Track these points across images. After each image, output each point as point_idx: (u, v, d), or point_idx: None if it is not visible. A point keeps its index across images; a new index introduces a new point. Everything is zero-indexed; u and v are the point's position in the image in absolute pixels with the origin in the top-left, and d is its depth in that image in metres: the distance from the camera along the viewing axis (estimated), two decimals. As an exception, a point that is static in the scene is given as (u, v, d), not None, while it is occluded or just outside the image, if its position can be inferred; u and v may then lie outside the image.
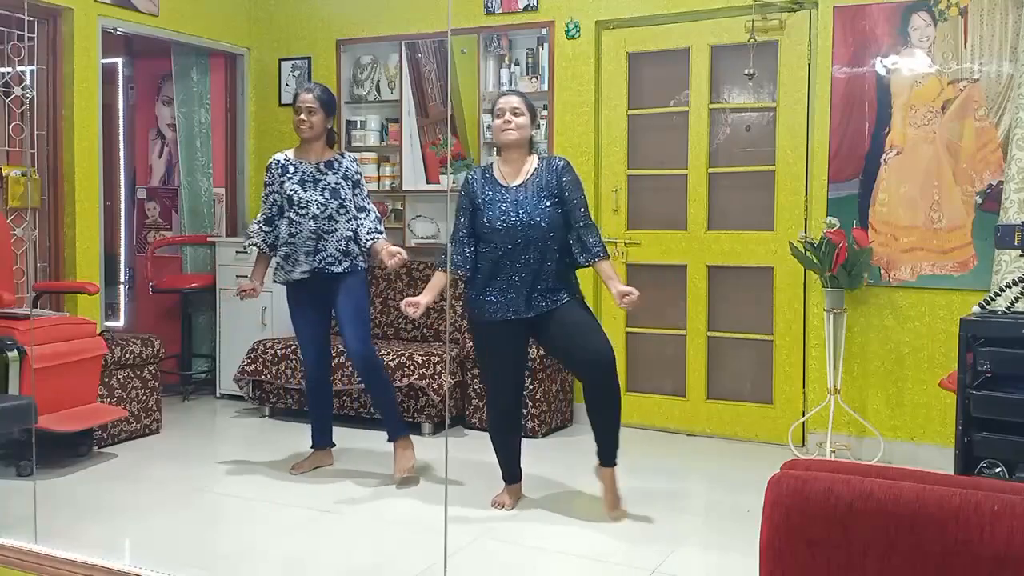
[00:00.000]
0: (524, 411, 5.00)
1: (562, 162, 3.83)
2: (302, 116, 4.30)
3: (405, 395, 5.05)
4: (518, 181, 3.79)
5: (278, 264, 4.36)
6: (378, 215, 4.39)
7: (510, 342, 3.82)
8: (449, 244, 3.90)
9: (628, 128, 5.34)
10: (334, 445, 4.55)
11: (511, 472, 3.99)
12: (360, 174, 4.40)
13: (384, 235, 4.34)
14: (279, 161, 4.37)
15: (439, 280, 3.88)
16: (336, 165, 4.34)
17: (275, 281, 4.42)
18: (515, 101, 3.81)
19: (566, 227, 3.75)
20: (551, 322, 3.75)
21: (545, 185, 3.76)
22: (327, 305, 4.38)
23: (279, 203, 4.33)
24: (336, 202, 4.26)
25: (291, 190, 4.28)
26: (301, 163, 4.33)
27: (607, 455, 3.80)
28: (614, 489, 3.80)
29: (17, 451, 4.28)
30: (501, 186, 3.80)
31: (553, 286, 3.74)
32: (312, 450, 4.50)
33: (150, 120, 6.63)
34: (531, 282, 3.71)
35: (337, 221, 4.26)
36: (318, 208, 4.24)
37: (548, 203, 3.73)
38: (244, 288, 4.37)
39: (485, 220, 3.76)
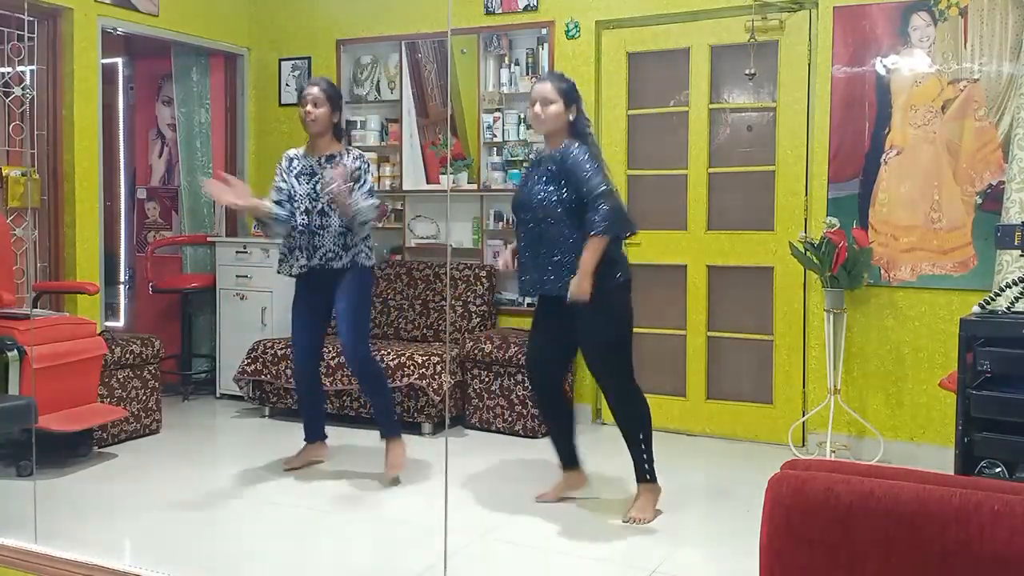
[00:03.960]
0: (524, 411, 5.00)
1: (565, 146, 3.71)
2: (308, 108, 4.24)
3: (405, 395, 5.05)
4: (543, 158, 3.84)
5: (282, 256, 4.33)
6: (375, 204, 4.26)
7: (541, 315, 3.92)
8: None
9: (628, 128, 5.34)
10: (326, 437, 4.56)
11: (561, 457, 3.97)
12: (362, 170, 4.25)
13: (367, 206, 4.15)
14: (287, 155, 4.35)
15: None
16: (336, 160, 4.26)
17: (278, 272, 4.39)
18: (545, 90, 3.75)
19: (580, 209, 3.65)
20: (574, 312, 3.69)
21: (554, 169, 3.71)
22: (326, 301, 4.34)
23: (282, 197, 4.28)
24: (328, 196, 4.17)
25: (291, 184, 4.27)
26: (305, 158, 4.31)
27: (636, 469, 3.80)
28: (641, 506, 3.75)
29: (17, 451, 4.28)
30: (534, 163, 3.93)
31: (565, 273, 3.65)
32: (304, 443, 4.52)
33: (150, 120, 6.63)
34: (537, 261, 3.73)
35: (330, 216, 4.18)
36: (309, 203, 4.21)
37: (552, 186, 3.69)
38: (218, 176, 4.27)
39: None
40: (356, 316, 4.28)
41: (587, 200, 3.61)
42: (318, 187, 4.21)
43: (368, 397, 4.45)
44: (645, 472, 3.77)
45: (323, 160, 4.27)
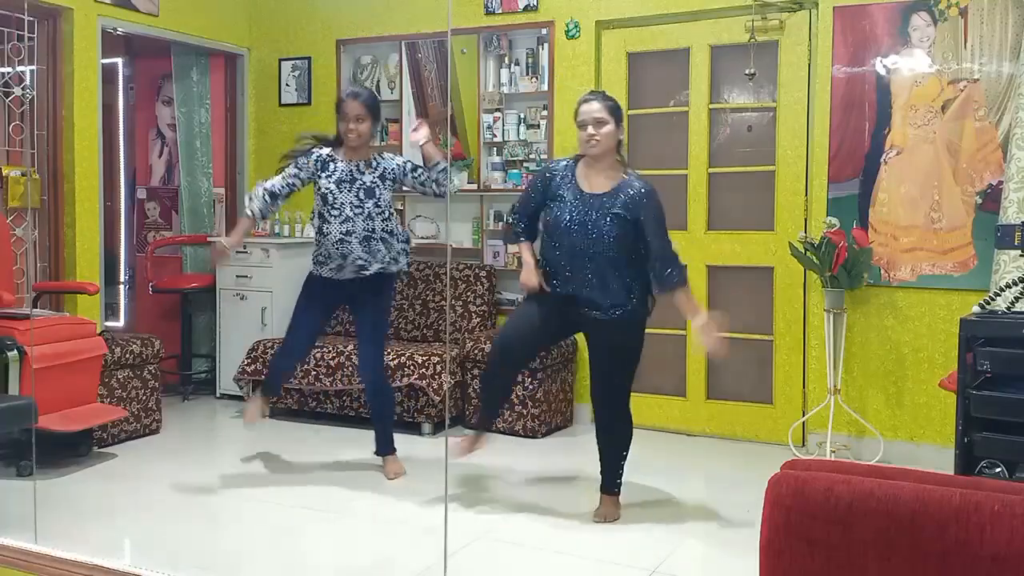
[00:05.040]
0: (524, 411, 5.01)
1: (646, 188, 3.63)
2: (351, 125, 4.14)
3: (405, 395, 5.05)
4: (598, 191, 3.65)
5: (313, 258, 4.28)
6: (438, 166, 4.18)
7: (539, 311, 3.75)
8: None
9: (628, 128, 5.32)
10: (278, 395, 4.63)
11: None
12: (399, 169, 4.21)
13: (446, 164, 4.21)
14: (320, 156, 4.22)
15: (525, 250, 3.82)
16: (375, 163, 4.20)
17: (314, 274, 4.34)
18: (597, 109, 3.61)
19: (638, 249, 3.63)
20: (597, 332, 3.73)
21: (623, 204, 3.60)
22: (338, 304, 4.38)
23: (297, 187, 4.25)
24: (371, 202, 4.13)
25: (326, 188, 4.17)
26: (342, 161, 4.20)
27: (605, 482, 3.83)
28: (605, 512, 3.80)
29: (17, 451, 4.28)
30: (579, 190, 3.68)
31: (612, 300, 3.63)
32: (259, 396, 4.48)
33: (150, 120, 6.62)
34: (588, 288, 3.64)
35: (371, 222, 4.13)
36: (352, 210, 4.13)
37: (619, 221, 3.59)
38: (217, 251, 4.33)
39: (553, 219, 3.69)
40: (377, 334, 4.26)
41: (657, 252, 3.62)
42: (361, 194, 4.15)
43: (372, 413, 4.40)
44: (614, 485, 3.84)
45: (362, 164, 4.19)
